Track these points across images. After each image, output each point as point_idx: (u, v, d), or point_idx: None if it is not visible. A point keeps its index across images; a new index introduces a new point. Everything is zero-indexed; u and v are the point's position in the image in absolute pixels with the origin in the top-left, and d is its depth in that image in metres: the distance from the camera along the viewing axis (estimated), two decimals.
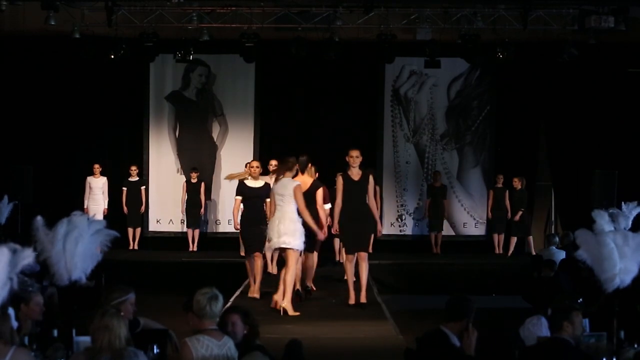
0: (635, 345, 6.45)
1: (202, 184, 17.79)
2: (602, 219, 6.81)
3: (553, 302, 7.11)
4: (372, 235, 12.22)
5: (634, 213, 12.66)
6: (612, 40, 16.67)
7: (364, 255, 11.38)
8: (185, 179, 17.97)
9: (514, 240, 17.60)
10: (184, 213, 17.86)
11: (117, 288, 6.43)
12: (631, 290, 6.80)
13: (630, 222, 12.43)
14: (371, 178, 11.38)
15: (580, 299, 7.75)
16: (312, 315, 10.91)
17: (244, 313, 6.19)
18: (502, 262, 16.71)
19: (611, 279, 6.55)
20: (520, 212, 17.45)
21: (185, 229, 18.02)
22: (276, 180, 11.30)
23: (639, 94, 17.77)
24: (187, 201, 17.69)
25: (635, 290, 6.96)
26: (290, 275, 10.76)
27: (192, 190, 17.70)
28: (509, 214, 17.72)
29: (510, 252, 17.50)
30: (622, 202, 13.05)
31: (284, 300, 10.71)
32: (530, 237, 17.68)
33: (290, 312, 10.70)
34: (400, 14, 16.72)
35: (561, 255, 12.60)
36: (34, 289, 7.65)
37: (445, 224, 18.11)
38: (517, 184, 17.53)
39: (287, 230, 10.77)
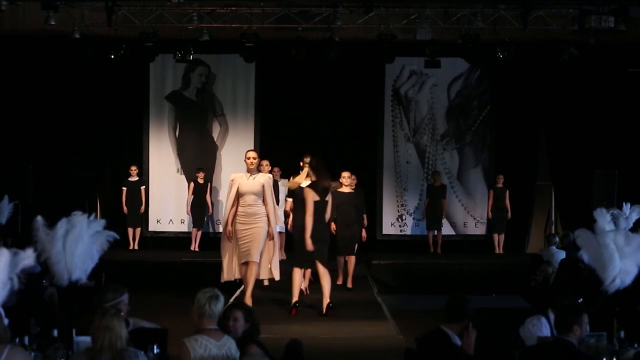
0: (635, 345, 6.45)
1: (208, 184, 17.79)
2: (604, 219, 6.80)
3: (553, 302, 7.10)
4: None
5: (635, 214, 12.64)
6: (612, 40, 16.66)
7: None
8: (190, 180, 17.86)
9: None
10: (190, 214, 17.82)
11: (112, 288, 6.37)
12: (631, 290, 6.80)
13: (631, 223, 12.41)
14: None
15: (581, 299, 7.73)
16: (312, 315, 10.91)
17: (247, 311, 6.20)
18: (502, 262, 16.69)
19: (611, 279, 6.56)
20: None
21: (186, 229, 18.02)
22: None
23: (639, 94, 17.76)
24: (193, 201, 17.65)
25: (635, 290, 6.96)
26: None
27: (198, 191, 17.68)
28: (509, 214, 17.74)
29: None
30: (623, 203, 13.03)
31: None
32: None
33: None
34: (400, 14, 16.71)
35: (561, 255, 12.56)
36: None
37: (446, 223, 18.10)
38: None
39: None
